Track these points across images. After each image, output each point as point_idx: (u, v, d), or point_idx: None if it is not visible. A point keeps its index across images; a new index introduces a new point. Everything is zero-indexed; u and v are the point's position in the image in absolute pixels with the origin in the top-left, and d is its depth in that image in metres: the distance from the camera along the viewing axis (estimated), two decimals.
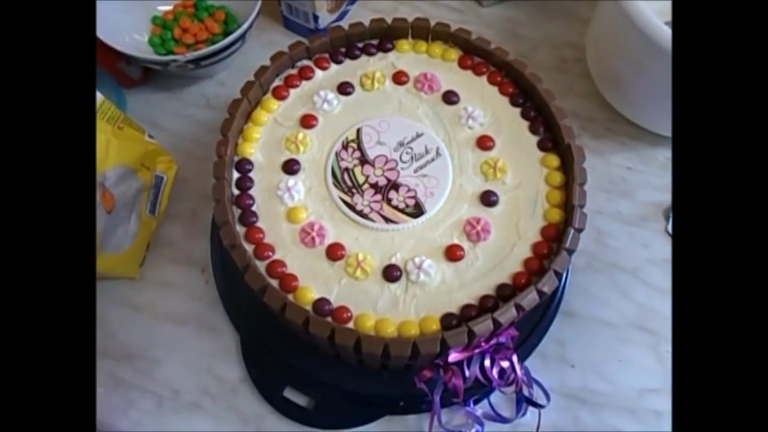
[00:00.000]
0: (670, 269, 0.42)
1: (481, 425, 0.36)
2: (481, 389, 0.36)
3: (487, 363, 0.34)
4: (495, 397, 0.37)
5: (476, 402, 0.37)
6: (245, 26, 0.45)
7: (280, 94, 0.39)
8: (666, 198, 0.45)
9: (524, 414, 0.37)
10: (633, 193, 0.46)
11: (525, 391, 0.36)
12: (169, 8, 0.51)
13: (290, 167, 0.36)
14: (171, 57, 0.44)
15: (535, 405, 0.36)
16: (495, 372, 0.34)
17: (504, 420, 0.37)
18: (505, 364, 0.34)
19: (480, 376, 0.34)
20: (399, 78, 0.40)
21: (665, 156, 0.47)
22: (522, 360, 0.37)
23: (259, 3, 0.47)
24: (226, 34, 0.49)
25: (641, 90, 0.44)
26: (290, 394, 0.37)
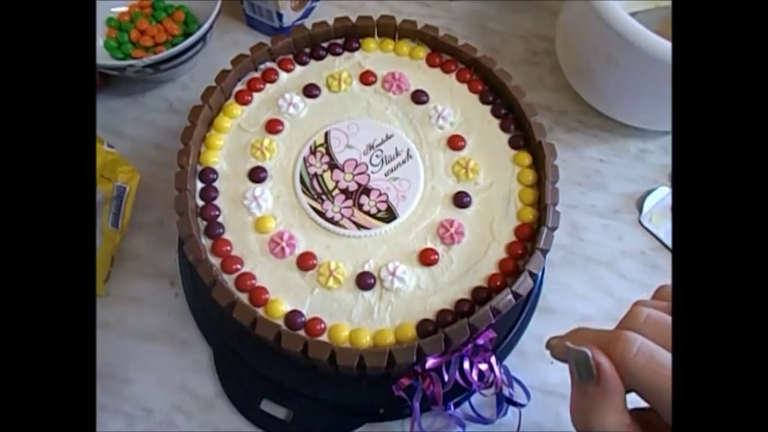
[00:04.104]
0: (645, 261, 0.42)
1: (463, 427, 0.36)
2: (461, 391, 0.35)
3: (466, 365, 0.33)
4: (477, 397, 0.37)
5: (456, 405, 0.36)
6: (205, 26, 0.44)
7: (243, 99, 0.38)
8: (639, 189, 0.45)
9: (505, 414, 0.37)
10: (606, 185, 0.46)
11: (505, 391, 0.36)
12: (124, 9, 0.48)
13: (257, 175, 0.35)
14: (128, 61, 0.43)
15: (515, 404, 0.36)
16: (474, 374, 0.34)
17: (485, 421, 0.36)
18: (484, 366, 0.34)
19: (460, 379, 0.33)
20: (367, 78, 0.39)
21: (636, 147, 0.47)
22: (501, 359, 0.37)
23: (219, 2, 0.45)
24: (186, 35, 0.47)
25: (611, 82, 0.43)
26: (267, 407, 0.36)
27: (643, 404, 0.23)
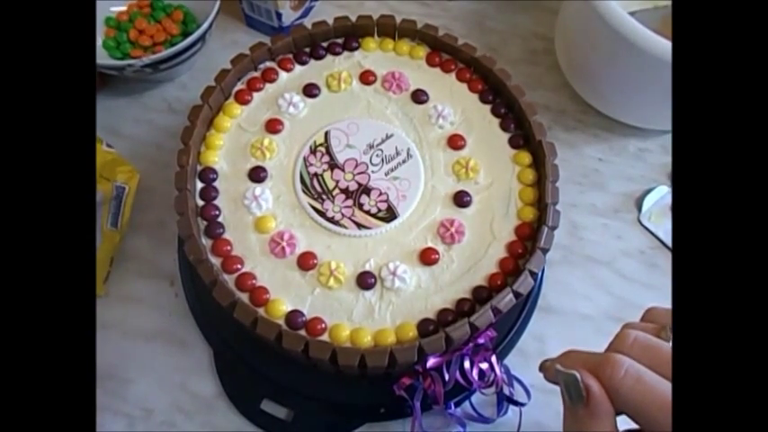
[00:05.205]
0: (644, 260, 0.43)
1: (463, 426, 0.36)
2: (462, 391, 0.35)
3: (467, 365, 0.33)
4: (477, 397, 0.37)
5: (457, 405, 0.36)
6: (204, 26, 0.44)
7: (243, 99, 0.38)
8: (638, 188, 0.45)
9: (506, 413, 0.37)
10: (606, 184, 0.46)
11: (506, 390, 0.36)
12: (123, 8, 0.48)
13: (257, 175, 0.35)
14: (127, 61, 0.42)
15: (516, 403, 0.36)
16: (474, 373, 0.34)
17: (485, 420, 0.36)
18: (485, 365, 0.34)
19: (460, 379, 0.33)
20: (367, 78, 0.39)
21: (635, 146, 0.47)
22: (501, 358, 0.37)
23: (218, 1, 0.45)
24: (185, 35, 0.47)
25: (610, 82, 0.44)
26: (268, 407, 0.36)
27: (634, 425, 0.23)
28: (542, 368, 0.29)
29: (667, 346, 0.23)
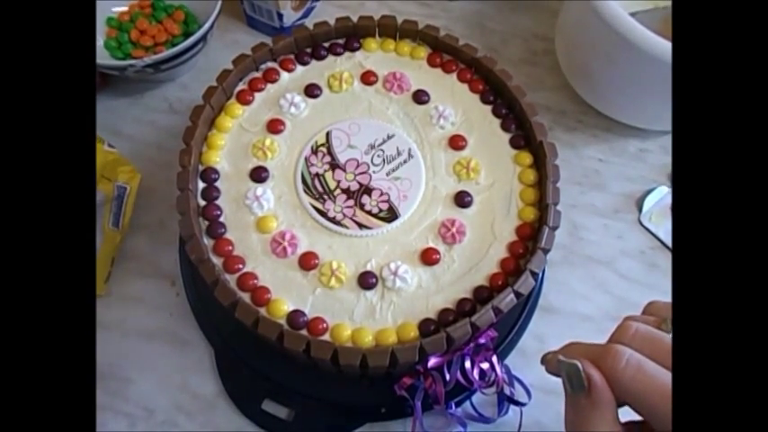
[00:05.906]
0: (644, 260, 0.43)
1: (464, 426, 0.36)
2: (463, 391, 0.35)
3: (468, 365, 0.33)
4: (478, 396, 0.37)
5: (458, 404, 0.36)
6: (206, 26, 0.44)
7: (244, 99, 0.38)
8: (638, 188, 0.45)
9: (506, 413, 0.37)
10: (606, 184, 0.46)
11: (506, 390, 0.36)
12: (124, 9, 0.48)
13: (258, 175, 0.35)
14: (128, 61, 0.43)
15: (516, 403, 0.36)
16: (475, 373, 0.34)
17: (486, 420, 0.36)
18: (485, 365, 0.34)
19: (461, 379, 0.33)
20: (368, 78, 0.39)
21: (635, 146, 0.47)
22: (502, 358, 0.37)
23: (220, 2, 0.45)
24: (186, 35, 0.47)
25: (611, 82, 0.44)
26: (269, 407, 0.36)
27: (636, 417, 0.23)
28: (544, 360, 0.29)
29: (668, 337, 0.23)
